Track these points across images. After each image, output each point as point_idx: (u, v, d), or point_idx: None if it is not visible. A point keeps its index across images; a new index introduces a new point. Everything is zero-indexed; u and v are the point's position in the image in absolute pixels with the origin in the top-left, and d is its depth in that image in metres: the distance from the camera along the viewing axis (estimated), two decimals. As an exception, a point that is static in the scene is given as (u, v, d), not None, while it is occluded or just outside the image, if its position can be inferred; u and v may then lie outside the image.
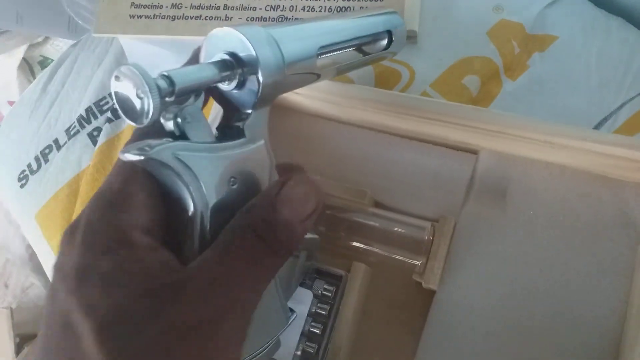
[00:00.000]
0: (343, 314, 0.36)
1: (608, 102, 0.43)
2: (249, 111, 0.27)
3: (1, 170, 0.57)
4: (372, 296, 0.38)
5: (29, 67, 0.68)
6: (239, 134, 0.27)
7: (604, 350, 0.34)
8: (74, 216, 0.49)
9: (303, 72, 0.29)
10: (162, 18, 0.50)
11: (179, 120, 0.24)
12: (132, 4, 0.51)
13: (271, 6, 0.49)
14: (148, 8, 0.51)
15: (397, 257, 0.38)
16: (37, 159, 0.54)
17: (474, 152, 0.40)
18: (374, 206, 0.40)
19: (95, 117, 0.52)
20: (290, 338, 0.36)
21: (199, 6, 0.50)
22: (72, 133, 0.53)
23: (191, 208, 0.24)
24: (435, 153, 0.41)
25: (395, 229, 0.38)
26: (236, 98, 0.27)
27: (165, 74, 0.23)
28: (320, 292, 0.37)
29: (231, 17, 0.50)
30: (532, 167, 0.39)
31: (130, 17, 0.51)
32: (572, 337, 0.35)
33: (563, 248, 0.37)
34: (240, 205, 0.25)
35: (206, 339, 0.22)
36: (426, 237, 0.37)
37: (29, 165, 0.54)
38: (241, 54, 0.26)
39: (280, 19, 0.49)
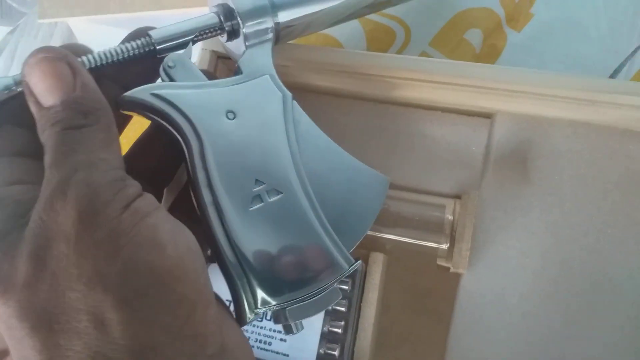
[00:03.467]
0: (366, 312, 0.33)
1: (621, 47, 0.40)
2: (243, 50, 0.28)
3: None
4: (392, 286, 0.35)
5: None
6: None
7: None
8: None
9: (309, 9, 0.30)
10: (114, -7, 0.45)
11: (164, 66, 0.26)
12: (78, -21, 0.45)
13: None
14: (97, -17, 0.45)
15: (416, 242, 0.35)
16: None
17: (488, 116, 0.37)
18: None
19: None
20: (309, 340, 0.33)
21: (155, -24, 0.45)
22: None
23: (185, 142, 0.26)
24: (446, 121, 0.37)
25: (412, 210, 0.35)
26: (234, 47, 0.30)
27: (148, 32, 0.26)
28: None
29: (193, -14, 0.44)
30: (554, 127, 0.36)
31: (78, -5, 0.45)
32: (613, 308, 0.33)
33: (595, 212, 0.35)
34: (249, 138, 0.26)
35: None
36: (449, 217, 0.34)
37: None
38: (229, 4, 0.28)
39: None
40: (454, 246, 0.33)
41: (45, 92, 0.22)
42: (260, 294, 0.25)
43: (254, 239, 0.25)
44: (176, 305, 0.21)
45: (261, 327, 0.34)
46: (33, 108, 0.22)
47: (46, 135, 0.22)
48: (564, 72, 0.39)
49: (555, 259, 0.34)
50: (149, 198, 0.22)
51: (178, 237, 0.22)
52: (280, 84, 0.28)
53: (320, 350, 0.33)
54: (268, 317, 0.29)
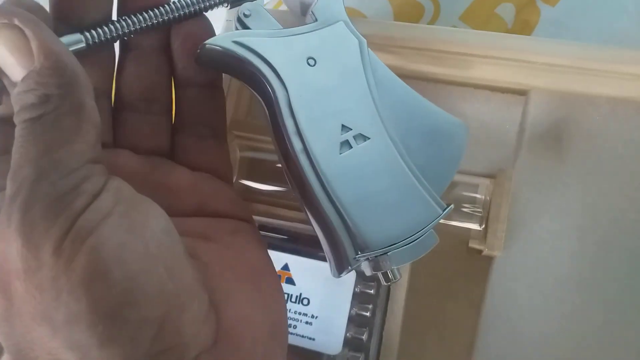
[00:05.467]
0: (396, 295, 0.33)
1: (660, 22, 0.39)
2: None
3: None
4: (420, 269, 0.34)
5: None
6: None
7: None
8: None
9: None
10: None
11: (239, 15, 0.27)
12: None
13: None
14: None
15: (448, 222, 0.34)
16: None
17: (523, 93, 0.36)
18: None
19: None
20: (336, 323, 0.33)
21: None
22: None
23: (268, 89, 0.26)
24: (478, 98, 0.36)
25: (447, 190, 0.34)
26: None
27: None
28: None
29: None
30: (590, 104, 0.35)
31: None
32: (653, 293, 0.32)
33: (633, 194, 0.34)
34: (331, 83, 0.26)
35: None
36: (482, 197, 0.33)
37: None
38: None
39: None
40: (488, 227, 0.32)
41: (5, 68, 0.19)
42: (361, 240, 0.24)
43: (348, 184, 0.25)
44: (136, 332, 0.18)
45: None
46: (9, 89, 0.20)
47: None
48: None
49: (593, 240, 0.33)
50: (101, 201, 0.19)
51: (129, 250, 0.19)
52: (355, 29, 0.28)
53: (348, 334, 0.32)
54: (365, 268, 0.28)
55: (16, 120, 0.18)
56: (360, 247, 0.24)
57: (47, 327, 0.18)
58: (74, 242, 0.18)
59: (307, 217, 0.27)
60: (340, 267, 0.25)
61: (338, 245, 0.25)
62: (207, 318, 0.21)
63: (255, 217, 0.35)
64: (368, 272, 0.26)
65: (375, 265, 0.25)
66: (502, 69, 0.34)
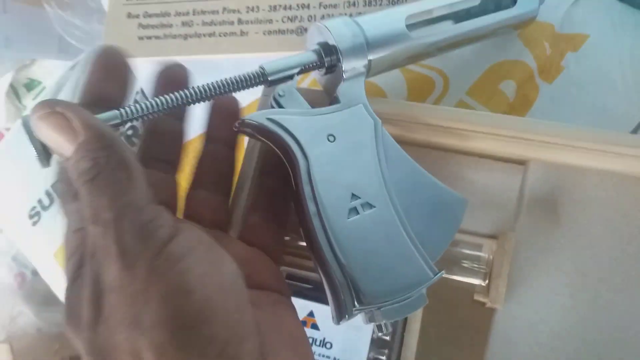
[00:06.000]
0: (408, 342, 0.37)
1: (645, 100, 0.43)
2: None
3: (8, 208, 0.55)
4: (430, 319, 0.39)
5: (13, 92, 0.66)
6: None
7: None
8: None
9: (396, 48, 0.35)
10: (173, 37, 0.49)
11: (275, 95, 0.32)
12: (140, 24, 0.50)
13: (289, 17, 0.49)
14: (157, 28, 0.50)
15: (455, 277, 0.38)
16: (47, 193, 0.52)
17: (522, 163, 0.41)
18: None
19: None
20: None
21: (211, 22, 0.49)
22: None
23: (292, 159, 0.30)
24: (482, 166, 0.41)
25: (451, 247, 0.38)
26: (327, 80, 0.35)
27: (261, 65, 0.32)
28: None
29: (247, 32, 0.49)
30: (583, 175, 0.39)
31: (139, 39, 0.50)
32: (638, 348, 0.36)
33: (621, 256, 0.38)
34: (346, 158, 0.31)
35: None
36: (486, 256, 0.37)
37: (40, 201, 0.52)
38: (329, 42, 0.33)
39: (299, 31, 0.48)
40: (491, 282, 0.37)
41: (58, 147, 0.24)
42: (360, 295, 0.28)
43: (353, 246, 0.29)
44: (205, 346, 0.23)
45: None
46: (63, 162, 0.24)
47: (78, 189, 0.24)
48: (592, 123, 0.42)
49: (584, 297, 0.37)
50: (186, 238, 0.24)
51: (209, 279, 0.24)
52: (372, 111, 0.33)
53: (366, 378, 0.36)
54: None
55: (78, 183, 0.23)
56: (359, 300, 0.29)
57: (135, 330, 0.22)
58: (166, 262, 0.23)
59: (317, 272, 0.31)
60: (340, 316, 0.29)
61: (340, 298, 0.29)
62: (260, 354, 0.25)
63: (284, 268, 0.39)
64: (364, 322, 0.30)
65: (370, 317, 0.29)
66: (503, 143, 0.39)
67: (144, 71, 0.52)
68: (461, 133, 0.39)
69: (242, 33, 0.49)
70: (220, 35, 0.49)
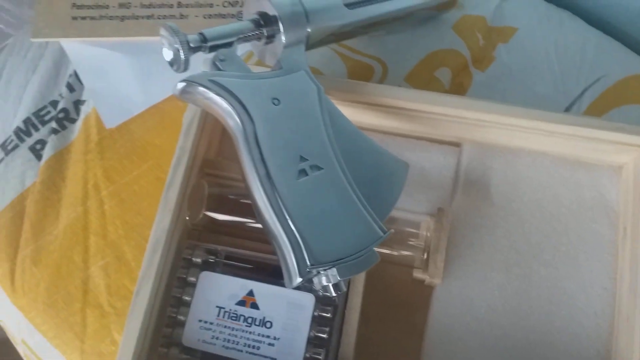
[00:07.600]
0: (349, 318, 0.37)
1: (571, 88, 0.46)
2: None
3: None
4: (371, 298, 0.39)
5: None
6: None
7: (600, 328, 0.37)
8: (22, 240, 0.45)
9: (333, 20, 0.36)
10: (109, 19, 0.48)
11: (215, 60, 0.32)
12: (74, 4, 0.48)
13: (229, 2, 0.49)
14: (92, 9, 0.48)
15: (394, 253, 0.38)
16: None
17: (457, 144, 0.42)
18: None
19: (36, 129, 0.48)
20: (296, 344, 0.36)
21: (150, 5, 0.49)
22: (9, 148, 0.48)
23: (238, 122, 0.30)
24: (419, 147, 0.42)
25: (390, 226, 0.39)
26: (268, 50, 0.35)
27: (201, 31, 0.32)
28: (321, 293, 0.37)
29: (187, 15, 0.48)
30: (515, 156, 0.41)
31: (73, 19, 0.48)
32: (568, 318, 0.38)
33: (550, 232, 0.40)
34: (292, 121, 0.31)
35: None
36: (424, 233, 0.38)
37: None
38: (269, 13, 0.33)
39: (240, 15, 0.48)
40: (429, 257, 0.37)
41: None
42: (313, 254, 0.28)
43: (304, 207, 0.29)
44: None
45: (250, 332, 0.37)
46: None
47: None
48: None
49: (518, 272, 0.39)
50: None
51: None
52: (314, 77, 0.33)
53: (307, 355, 0.36)
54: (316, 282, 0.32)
55: None
56: (312, 260, 0.29)
57: None
58: None
59: (268, 236, 0.31)
60: (294, 276, 0.29)
61: (292, 259, 0.29)
62: None
63: (223, 247, 0.38)
64: (318, 286, 0.30)
65: (326, 277, 0.29)
66: (439, 123, 0.40)
67: (78, 52, 0.51)
68: (399, 112, 0.40)
69: (182, 16, 0.48)
70: (158, 18, 0.48)
